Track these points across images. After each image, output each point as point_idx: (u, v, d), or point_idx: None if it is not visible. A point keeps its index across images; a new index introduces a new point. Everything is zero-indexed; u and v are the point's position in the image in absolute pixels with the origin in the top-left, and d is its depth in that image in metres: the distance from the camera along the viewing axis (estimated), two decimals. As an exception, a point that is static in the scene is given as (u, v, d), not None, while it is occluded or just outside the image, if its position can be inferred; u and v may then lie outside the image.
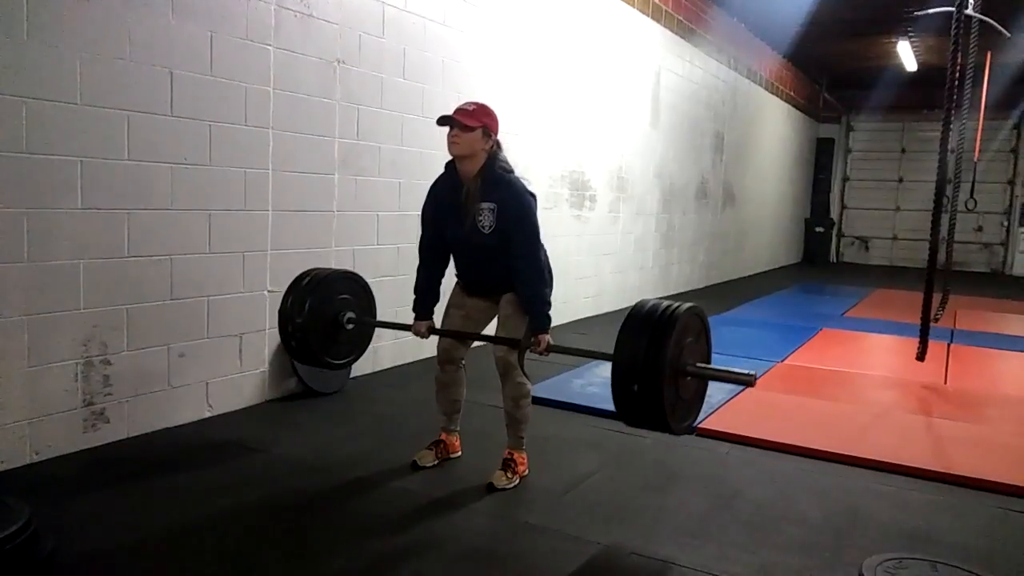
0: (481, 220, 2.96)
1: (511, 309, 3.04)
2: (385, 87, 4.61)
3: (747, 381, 2.62)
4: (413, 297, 3.23)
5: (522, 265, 2.96)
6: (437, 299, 3.24)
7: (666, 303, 2.63)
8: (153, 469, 3.10)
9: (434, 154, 5.05)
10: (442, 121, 2.95)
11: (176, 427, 3.57)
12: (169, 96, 3.40)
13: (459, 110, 2.95)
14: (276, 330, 4.01)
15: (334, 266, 4.38)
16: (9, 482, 2.87)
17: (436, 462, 3.26)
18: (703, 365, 2.68)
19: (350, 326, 3.38)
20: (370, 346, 4.56)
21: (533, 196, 3.03)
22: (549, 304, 2.98)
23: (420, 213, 3.19)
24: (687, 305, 2.63)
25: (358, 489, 3.04)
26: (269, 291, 4.00)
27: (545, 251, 3.11)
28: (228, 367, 3.84)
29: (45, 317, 3.04)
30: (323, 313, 3.29)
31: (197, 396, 3.70)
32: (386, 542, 2.60)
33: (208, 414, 3.75)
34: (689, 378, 2.63)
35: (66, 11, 3.00)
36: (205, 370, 3.71)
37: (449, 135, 2.94)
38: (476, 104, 2.98)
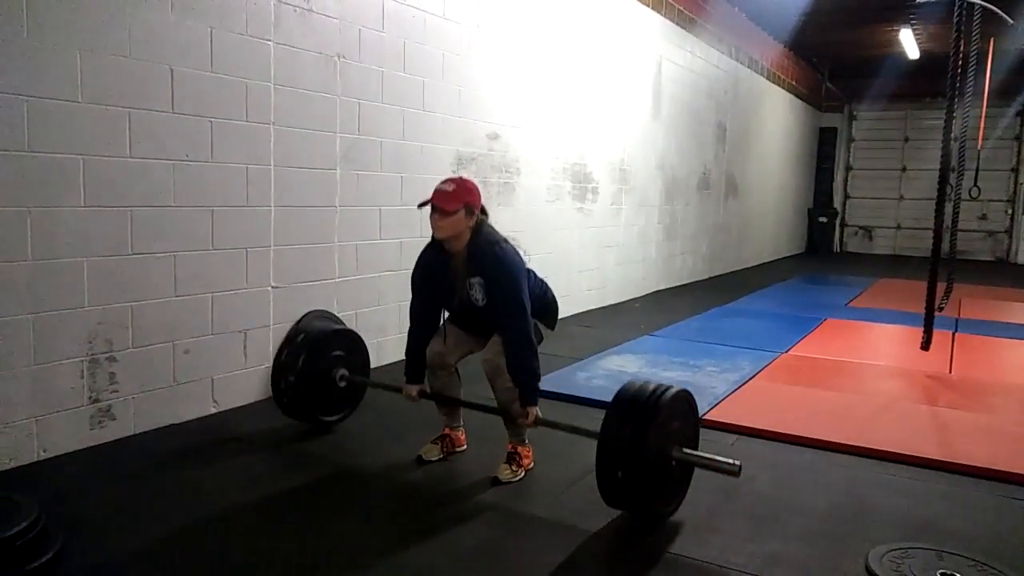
0: (474, 294, 2.99)
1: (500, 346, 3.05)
2: (386, 81, 4.60)
3: (731, 471, 2.60)
4: (405, 362, 3.23)
5: (510, 338, 2.96)
6: (427, 364, 3.23)
7: (653, 386, 2.67)
8: (160, 465, 3.12)
9: (435, 148, 5.06)
10: (422, 206, 2.93)
11: (182, 423, 3.59)
12: (170, 92, 3.40)
13: (438, 192, 2.90)
14: (280, 325, 4.05)
15: (337, 263, 4.38)
16: (17, 479, 2.88)
17: (441, 456, 3.27)
18: (688, 451, 2.70)
19: (343, 383, 3.43)
20: (374, 340, 4.59)
21: (520, 259, 3.01)
22: (538, 377, 2.99)
23: (410, 278, 3.19)
24: (674, 389, 2.67)
25: (363, 484, 3.05)
26: (273, 287, 4.01)
27: (545, 285, 3.16)
28: (233, 363, 3.85)
29: (50, 315, 3.05)
30: (317, 369, 3.37)
31: (202, 392, 3.71)
32: (390, 536, 2.61)
33: (214, 410, 3.76)
34: (674, 463, 2.65)
35: (66, 8, 2.99)
36: (210, 366, 3.72)
37: (431, 219, 2.92)
38: (454, 182, 2.94)
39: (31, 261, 2.97)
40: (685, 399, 2.75)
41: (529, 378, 2.96)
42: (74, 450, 3.17)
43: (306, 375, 3.35)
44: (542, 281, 3.23)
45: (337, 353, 3.49)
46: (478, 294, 2.98)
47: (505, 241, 3.01)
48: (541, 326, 3.19)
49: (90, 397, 3.22)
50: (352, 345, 3.59)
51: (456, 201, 2.89)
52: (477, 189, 2.99)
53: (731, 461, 2.62)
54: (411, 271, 3.20)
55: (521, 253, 3.08)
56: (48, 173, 2.99)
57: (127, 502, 2.77)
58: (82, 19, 3.05)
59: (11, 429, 2.97)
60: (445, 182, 2.95)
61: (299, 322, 4.11)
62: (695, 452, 2.76)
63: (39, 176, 2.97)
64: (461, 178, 2.99)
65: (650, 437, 2.51)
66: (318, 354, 3.40)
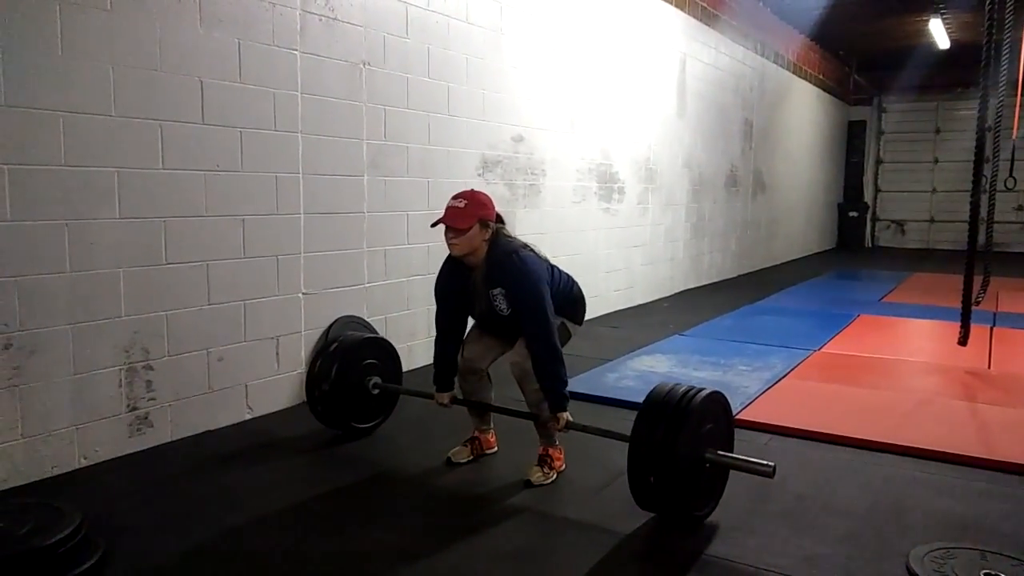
0: (498, 305, 2.98)
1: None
2: (411, 87, 4.63)
3: (766, 472, 2.57)
4: (434, 370, 3.25)
5: (535, 347, 2.94)
6: (456, 370, 3.24)
7: (684, 388, 2.64)
8: (197, 471, 3.16)
9: (460, 152, 5.08)
10: (436, 225, 2.92)
11: (218, 429, 3.64)
12: (200, 104, 3.45)
13: (450, 210, 2.89)
14: (311, 331, 4.10)
15: (366, 269, 4.42)
16: (59, 486, 2.95)
17: (471, 458, 3.28)
18: (722, 453, 2.67)
19: (376, 391, 3.47)
20: (404, 344, 4.61)
21: (540, 265, 2.98)
22: (565, 383, 2.97)
23: (434, 290, 3.19)
24: (707, 391, 2.64)
25: (395, 487, 3.07)
26: (304, 293, 4.05)
27: (571, 281, 3.16)
28: (266, 369, 3.89)
29: (88, 325, 3.11)
30: (350, 379, 3.41)
31: (237, 398, 3.76)
32: (424, 539, 2.62)
33: (248, 416, 3.81)
34: (708, 466, 2.62)
35: (98, 25, 3.06)
36: (244, 373, 3.77)
37: (446, 237, 2.91)
38: (465, 197, 2.92)
39: (69, 272, 3.03)
40: (718, 400, 2.73)
41: (556, 384, 2.95)
42: (114, 457, 3.23)
43: (339, 384, 3.39)
44: (568, 276, 3.21)
45: (370, 361, 3.52)
46: (502, 304, 2.97)
47: (524, 247, 2.99)
48: (569, 324, 3.18)
49: (128, 405, 3.28)
50: (384, 353, 3.62)
51: (469, 218, 2.87)
52: (490, 201, 2.97)
53: (765, 462, 2.59)
54: (437, 274, 3.22)
55: (542, 254, 3.06)
56: (84, 186, 3.06)
57: (167, 508, 2.82)
58: (113, 35, 3.11)
59: (53, 437, 3.04)
60: (456, 198, 2.92)
61: (330, 328, 4.16)
62: (729, 454, 2.73)
63: (75, 189, 3.03)
64: (472, 191, 2.97)
65: (682, 440, 2.49)
66: (351, 363, 3.44)
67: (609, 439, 2.92)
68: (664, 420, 2.53)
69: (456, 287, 3.09)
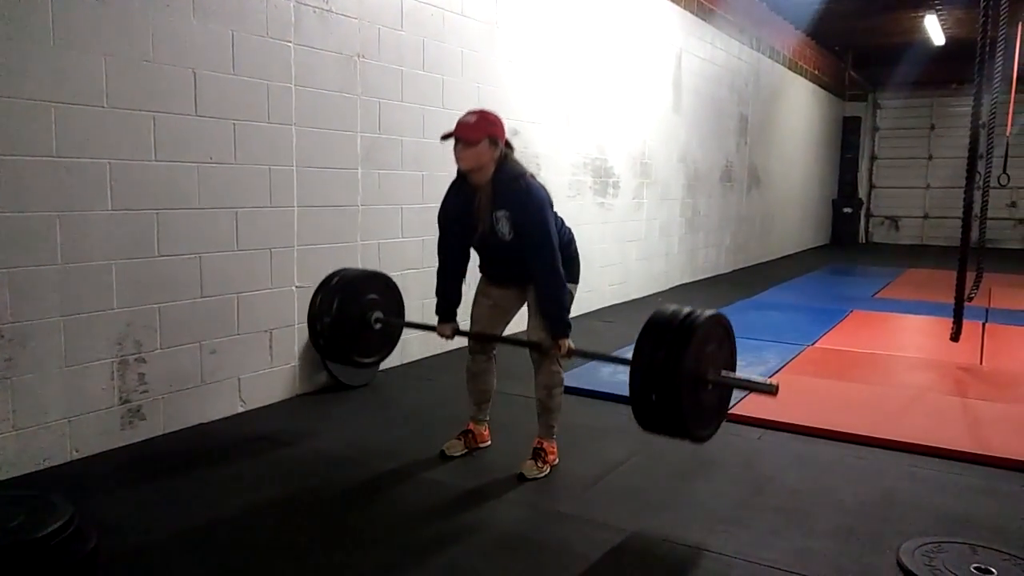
0: (500, 228, 2.95)
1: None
2: (405, 80, 4.61)
3: (769, 391, 2.56)
4: (436, 300, 3.23)
5: (537, 270, 2.94)
6: (459, 301, 3.24)
7: (687, 309, 2.58)
8: (190, 464, 3.16)
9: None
10: (445, 137, 2.92)
11: (210, 422, 3.63)
12: (193, 96, 3.43)
13: (461, 124, 2.90)
14: (305, 325, 4.08)
15: (360, 262, 4.41)
16: (52, 479, 2.94)
17: (465, 452, 3.28)
18: (725, 374, 2.63)
19: (378, 326, 3.41)
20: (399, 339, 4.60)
21: (545, 194, 2.97)
22: (567, 309, 2.95)
23: (436, 216, 3.19)
24: (709, 312, 2.59)
25: (389, 480, 3.07)
26: (297, 287, 4.04)
27: (571, 236, 3.09)
28: (259, 362, 3.88)
29: (80, 317, 3.10)
30: (351, 312, 3.32)
31: (230, 392, 3.75)
32: (418, 532, 2.62)
33: (241, 409, 3.80)
34: (711, 387, 2.58)
35: (90, 16, 3.04)
36: (237, 366, 3.76)
37: (455, 150, 2.91)
38: (477, 114, 2.94)
39: (61, 264, 3.02)
40: (720, 323, 2.65)
41: (558, 310, 2.93)
42: (106, 450, 3.22)
43: (341, 317, 3.28)
44: (568, 230, 3.17)
45: (372, 296, 3.43)
46: (504, 228, 2.94)
47: (532, 175, 2.98)
48: (570, 285, 3.12)
49: (120, 398, 3.27)
50: (387, 289, 3.51)
51: (479, 132, 2.88)
52: (501, 122, 2.97)
53: (768, 382, 2.56)
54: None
55: (546, 188, 3.03)
56: (76, 178, 3.04)
57: (158, 501, 2.81)
58: (106, 25, 3.09)
59: (45, 430, 3.03)
60: (468, 114, 2.94)
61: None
62: (731, 374, 2.66)
63: (67, 181, 3.01)
64: (483, 110, 2.98)
65: (685, 359, 2.42)
66: (353, 296, 3.34)
67: (601, 428, 2.92)
68: (667, 340, 2.46)
69: (460, 209, 3.06)
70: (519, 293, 3.12)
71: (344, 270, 3.42)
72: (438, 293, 3.22)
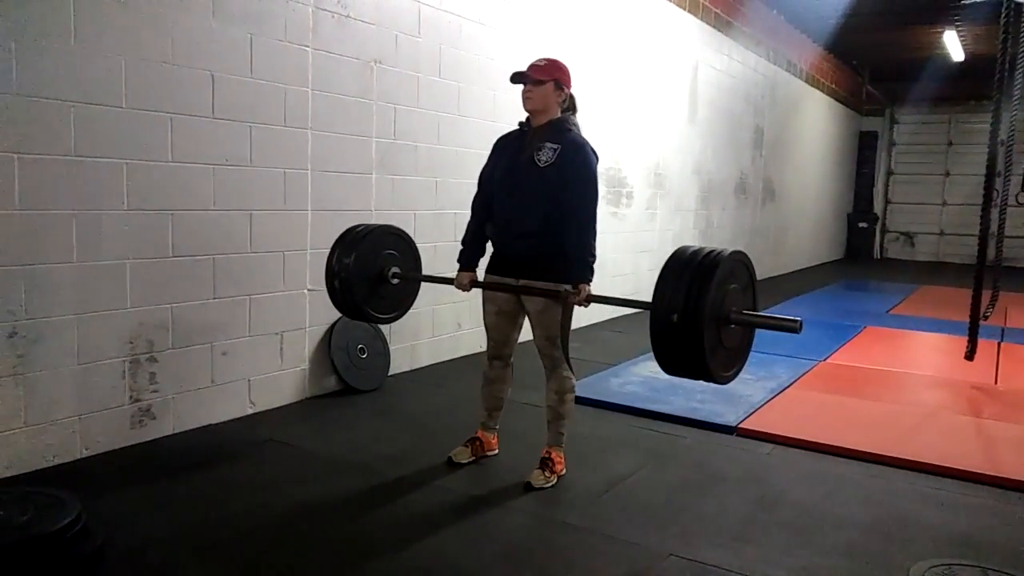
0: (540, 155, 2.97)
1: (541, 305, 3.01)
2: (421, 86, 4.63)
3: (792, 328, 2.46)
4: (460, 248, 3.23)
5: (574, 214, 2.92)
6: (483, 253, 3.25)
7: (709, 248, 2.51)
8: (198, 465, 3.17)
9: (469, 152, 5.07)
10: (515, 78, 3.02)
11: (219, 423, 3.64)
12: (210, 98, 3.46)
13: (532, 65, 3.02)
14: (316, 328, 4.10)
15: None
16: (61, 476, 2.95)
17: (472, 459, 3.27)
18: (747, 312, 2.55)
19: (395, 281, 3.37)
20: (408, 344, 4.61)
21: (597, 157, 3.03)
22: (594, 255, 2.95)
23: (479, 174, 3.24)
24: (731, 250, 2.51)
25: (396, 485, 3.06)
26: (309, 290, 4.05)
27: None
28: (269, 365, 3.89)
29: (93, 316, 3.12)
30: (368, 264, 3.28)
31: (239, 393, 3.76)
32: (424, 538, 2.61)
33: (250, 411, 3.81)
34: (733, 326, 2.50)
35: (111, 17, 3.07)
36: (247, 368, 3.77)
37: (523, 91, 3.02)
38: (547, 59, 3.05)
39: (76, 263, 3.04)
40: (741, 261, 2.57)
41: (585, 253, 2.92)
42: (115, 448, 3.23)
43: (358, 267, 3.25)
44: None
45: (391, 252, 3.39)
46: (545, 155, 2.96)
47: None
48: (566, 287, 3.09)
49: (131, 397, 3.29)
50: (405, 246, 3.47)
51: (547, 73, 3.00)
52: (568, 70, 3.08)
53: (792, 319, 2.48)
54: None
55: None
56: (93, 177, 3.07)
57: (166, 501, 2.82)
58: (126, 27, 3.12)
59: (55, 427, 3.05)
60: (539, 60, 3.05)
61: (334, 325, 4.14)
62: (753, 313, 2.59)
63: (84, 180, 3.04)
64: (553, 58, 3.08)
65: (707, 294, 2.36)
66: (371, 249, 3.31)
67: (609, 436, 2.90)
68: (689, 274, 2.41)
69: (507, 148, 3.11)
70: (517, 297, 3.09)
71: (362, 225, 3.40)
72: (463, 241, 3.24)
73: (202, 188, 3.47)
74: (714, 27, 8.50)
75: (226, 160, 3.56)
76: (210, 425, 3.60)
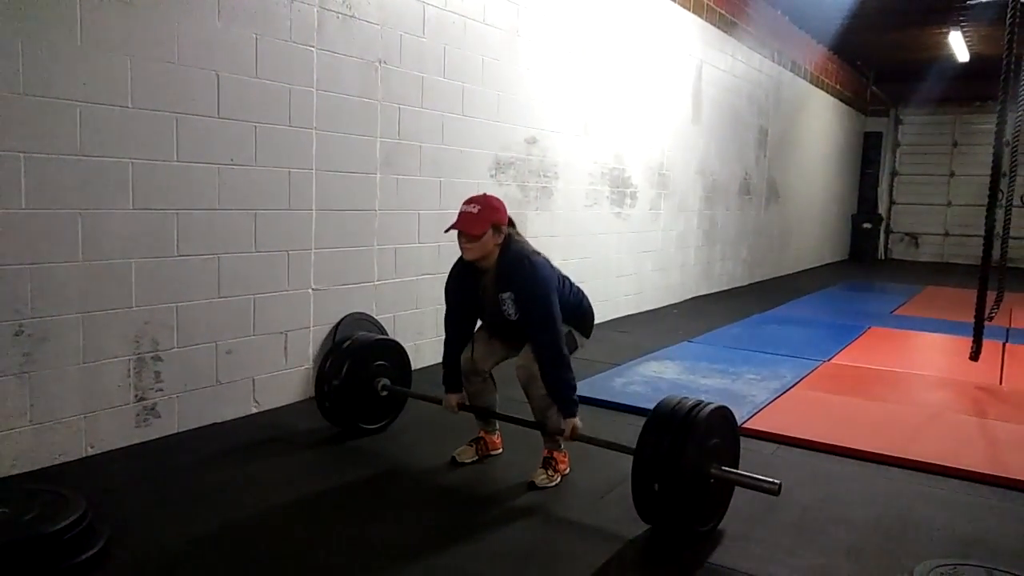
0: (506, 309, 2.98)
1: (532, 381, 3.03)
2: (426, 86, 4.64)
3: (771, 490, 2.55)
4: (443, 372, 3.25)
5: (542, 352, 2.94)
6: (461, 370, 3.22)
7: (692, 402, 2.62)
8: (203, 463, 3.18)
9: (473, 152, 5.08)
10: (449, 230, 2.92)
11: (224, 422, 3.65)
12: (216, 98, 3.47)
13: (464, 216, 2.88)
14: (320, 327, 4.11)
15: (376, 266, 4.43)
16: (66, 474, 2.97)
17: (476, 459, 3.27)
18: (727, 469, 2.64)
19: (384, 393, 3.48)
20: (412, 343, 4.61)
21: (551, 271, 2.99)
22: (573, 388, 2.96)
23: (444, 290, 3.20)
24: (712, 405, 2.62)
25: (400, 485, 3.07)
26: (313, 289, 4.06)
27: (581, 294, 3.16)
28: (274, 364, 3.90)
29: (99, 314, 3.13)
30: (359, 379, 3.43)
31: (244, 392, 3.77)
32: (427, 537, 2.61)
33: (255, 410, 3.82)
34: (713, 480, 2.60)
35: (117, 17, 3.08)
36: (252, 367, 3.78)
37: (460, 242, 2.93)
38: (478, 202, 2.91)
39: (82, 262, 3.05)
40: (723, 415, 2.70)
41: (565, 390, 2.95)
42: (120, 447, 3.24)
43: (348, 384, 3.40)
44: (579, 290, 3.21)
45: (380, 363, 3.53)
46: (510, 309, 2.97)
47: (535, 254, 2.98)
48: (577, 334, 3.17)
49: (136, 395, 3.30)
50: (395, 355, 3.63)
51: (482, 224, 2.87)
52: (502, 205, 2.97)
53: (771, 480, 2.56)
54: (447, 275, 3.22)
55: (552, 264, 3.06)
56: (99, 176, 3.08)
57: (171, 499, 2.83)
58: (133, 27, 3.13)
59: (61, 426, 3.06)
60: (469, 203, 2.92)
61: (338, 325, 4.17)
62: (734, 470, 2.70)
63: (90, 179, 3.05)
64: (484, 196, 2.97)
65: (687, 453, 2.47)
66: (361, 363, 3.44)
67: (616, 434, 2.91)
68: (671, 432, 2.51)
69: (466, 289, 3.09)
70: (520, 345, 3.10)
71: (355, 334, 3.58)
72: (445, 364, 3.23)
73: (207, 188, 3.48)
74: (718, 27, 8.49)
75: (231, 160, 3.57)
76: (215, 424, 3.61)
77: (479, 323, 3.23)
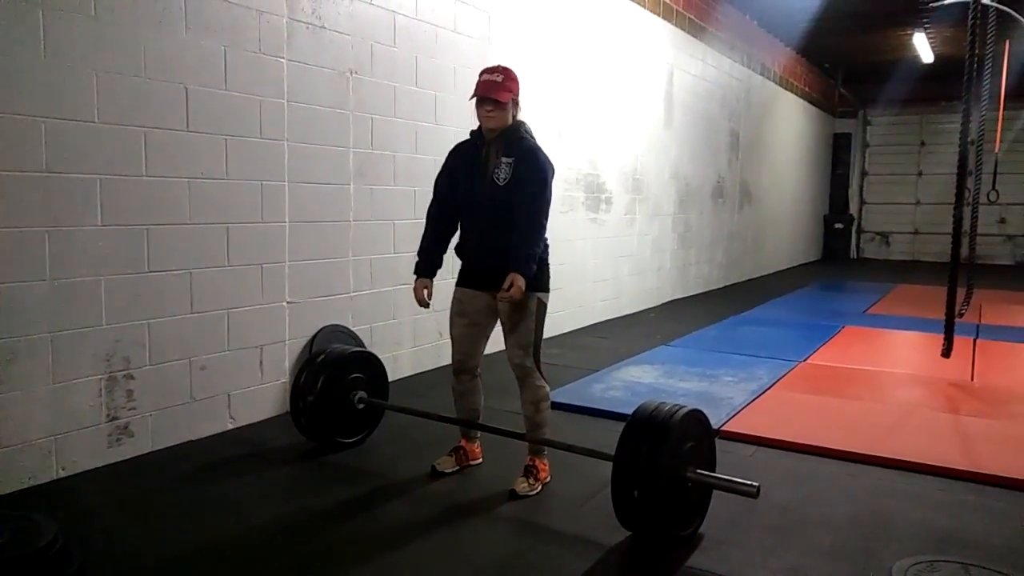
0: (498, 173, 2.98)
1: (516, 315, 3.02)
2: (398, 96, 4.62)
3: (749, 493, 2.58)
4: (416, 259, 3.20)
5: (524, 214, 2.94)
6: (439, 263, 3.19)
7: (668, 407, 2.64)
8: (177, 482, 3.12)
9: (448, 161, 5.06)
10: (474, 97, 2.96)
11: (199, 440, 3.59)
12: (185, 111, 3.43)
13: (490, 84, 2.93)
14: (295, 340, 4.07)
15: (352, 278, 4.40)
16: (37, 498, 2.90)
17: (456, 468, 3.26)
18: (704, 473, 2.66)
19: (361, 406, 3.47)
20: (389, 354, 4.59)
21: (551, 166, 3.03)
22: (535, 257, 2.94)
23: (433, 183, 3.20)
24: (686, 409, 2.64)
25: (380, 496, 3.04)
26: (288, 302, 4.02)
27: (546, 243, 3.09)
28: (249, 379, 3.86)
29: (68, 334, 3.07)
30: (335, 393, 3.40)
31: (219, 408, 3.72)
32: (408, 549, 2.59)
33: (230, 426, 3.77)
34: (691, 484, 2.61)
35: (82, 31, 3.03)
36: (226, 382, 3.74)
37: (482, 110, 2.96)
38: (502, 71, 2.98)
39: (49, 280, 3.00)
40: (697, 419, 2.72)
41: (527, 250, 2.91)
42: (92, 468, 3.18)
43: (324, 398, 3.37)
44: (545, 238, 3.14)
45: (356, 376, 3.50)
46: (503, 172, 2.97)
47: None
48: (541, 296, 3.07)
49: (108, 415, 3.24)
50: (371, 367, 3.60)
51: (508, 92, 2.94)
52: (519, 78, 3.03)
53: (749, 483, 2.58)
54: (445, 156, 3.20)
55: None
56: (66, 193, 3.03)
57: (145, 519, 2.78)
58: (98, 41, 3.09)
59: (30, 447, 2.99)
60: (492, 72, 2.97)
61: (314, 337, 4.13)
62: (711, 474, 2.71)
63: (57, 196, 3.00)
64: (506, 68, 3.01)
65: (664, 458, 2.48)
66: (337, 377, 3.41)
67: (595, 440, 2.91)
68: (648, 439, 2.52)
69: (464, 162, 3.09)
70: (490, 300, 3.07)
71: (330, 348, 3.53)
72: (419, 251, 3.19)
73: (178, 202, 3.44)
74: (688, 32, 8.57)
75: (202, 173, 3.53)
76: (189, 441, 3.56)
77: (458, 324, 3.18)
